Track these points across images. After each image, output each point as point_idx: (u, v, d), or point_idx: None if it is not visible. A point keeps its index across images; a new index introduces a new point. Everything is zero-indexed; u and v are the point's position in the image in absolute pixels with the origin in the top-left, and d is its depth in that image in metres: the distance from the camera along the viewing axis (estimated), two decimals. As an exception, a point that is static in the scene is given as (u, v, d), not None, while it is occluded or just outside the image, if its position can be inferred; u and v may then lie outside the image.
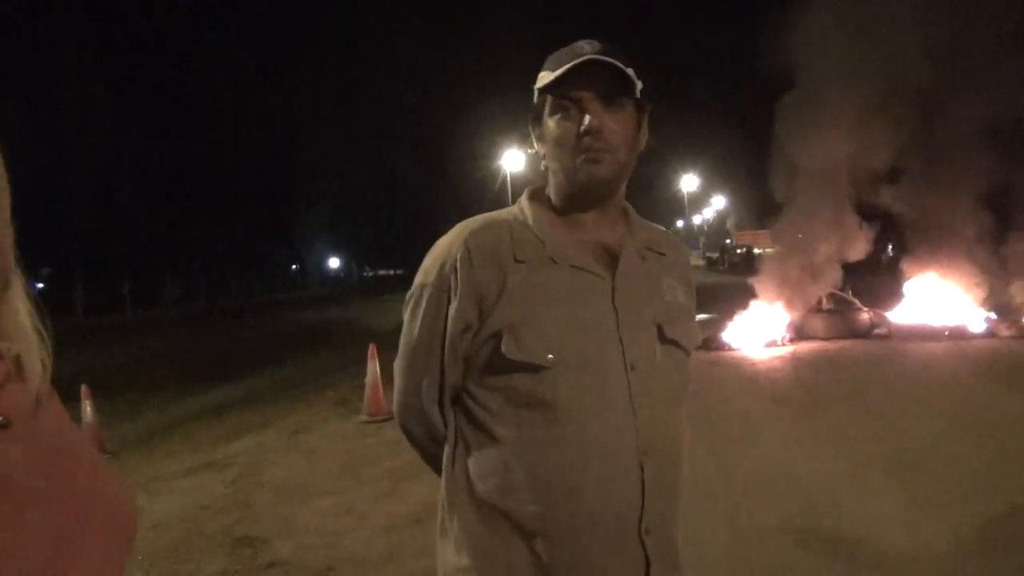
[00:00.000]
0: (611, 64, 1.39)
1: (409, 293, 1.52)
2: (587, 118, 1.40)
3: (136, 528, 0.89)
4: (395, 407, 1.59)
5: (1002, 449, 5.77)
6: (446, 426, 1.51)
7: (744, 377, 10.09)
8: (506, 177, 51.08)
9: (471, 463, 1.45)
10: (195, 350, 18.94)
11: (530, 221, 1.49)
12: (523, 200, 1.54)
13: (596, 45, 1.41)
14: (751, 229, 50.74)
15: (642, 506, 1.39)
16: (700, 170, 79.69)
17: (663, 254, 1.57)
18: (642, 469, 1.39)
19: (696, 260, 70.48)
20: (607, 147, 1.41)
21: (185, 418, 9.63)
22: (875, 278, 15.35)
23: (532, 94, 1.51)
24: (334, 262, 69.93)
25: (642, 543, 1.40)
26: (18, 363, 0.83)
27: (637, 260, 1.50)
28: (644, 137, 1.53)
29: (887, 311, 13.34)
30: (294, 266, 68.85)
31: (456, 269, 1.43)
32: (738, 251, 50.26)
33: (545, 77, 1.44)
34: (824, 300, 13.65)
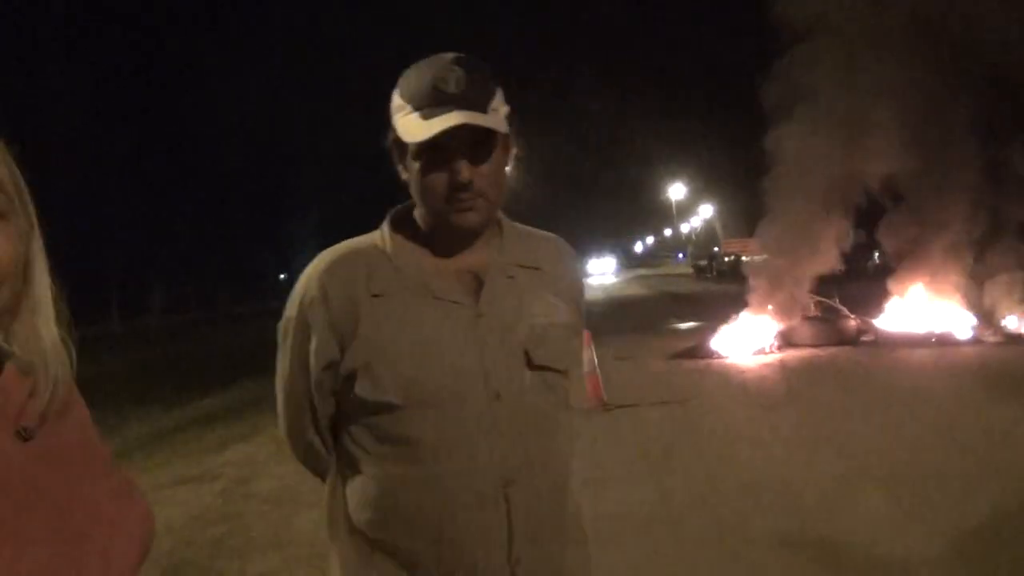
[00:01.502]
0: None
1: (279, 323, 1.48)
2: (458, 173, 1.34)
3: (150, 540, 0.90)
4: (280, 426, 1.57)
5: (988, 456, 5.80)
6: (328, 452, 1.51)
7: (733, 385, 10.12)
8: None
9: (348, 494, 1.44)
10: (183, 359, 18.86)
11: (388, 250, 1.43)
12: (385, 226, 1.48)
13: (459, 79, 1.32)
14: (739, 237, 50.89)
15: (510, 537, 1.37)
16: (688, 178, 79.99)
17: (539, 269, 1.51)
18: (508, 501, 1.36)
19: (684, 268, 70.60)
20: (478, 195, 1.37)
21: (174, 428, 9.60)
22: (862, 285, 15.41)
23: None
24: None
25: (513, 574, 1.38)
26: (42, 376, 0.84)
27: (504, 282, 1.45)
28: (512, 155, 1.49)
29: (874, 318, 13.41)
30: (282, 275, 68.68)
31: (313, 306, 1.40)
32: (726, 259, 50.30)
33: (406, 117, 1.35)
34: (812, 307, 13.70)
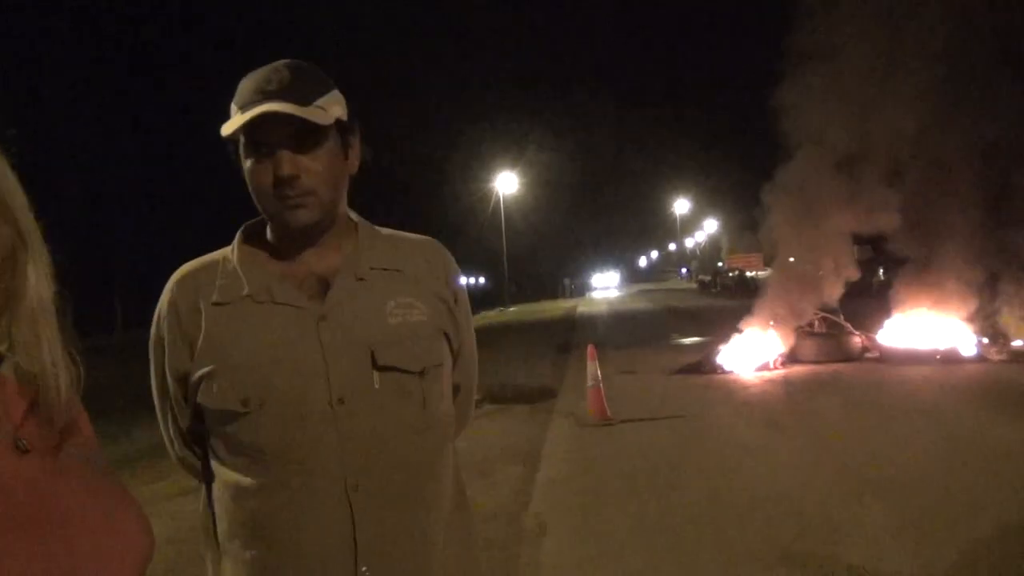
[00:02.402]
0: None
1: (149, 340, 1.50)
2: (279, 166, 1.34)
3: (148, 555, 0.89)
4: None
5: (992, 473, 5.78)
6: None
7: (737, 400, 10.09)
8: (499, 199, 51.24)
9: (212, 503, 1.45)
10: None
11: (234, 260, 1.45)
12: (237, 236, 1.49)
13: (283, 77, 1.35)
14: (743, 252, 50.90)
15: (355, 543, 1.35)
16: (692, 193, 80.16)
17: (398, 271, 1.49)
18: (351, 507, 1.35)
19: (688, 283, 70.63)
20: (306, 191, 1.36)
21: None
22: (867, 301, 15.38)
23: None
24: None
25: None
26: (44, 388, 0.84)
27: (353, 284, 1.44)
28: (355, 158, 1.48)
29: (878, 334, 13.38)
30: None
31: (165, 318, 1.43)
32: (730, 274, 50.33)
33: (233, 118, 1.36)
34: (816, 323, 13.68)
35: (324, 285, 1.43)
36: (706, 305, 34.75)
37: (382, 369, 1.39)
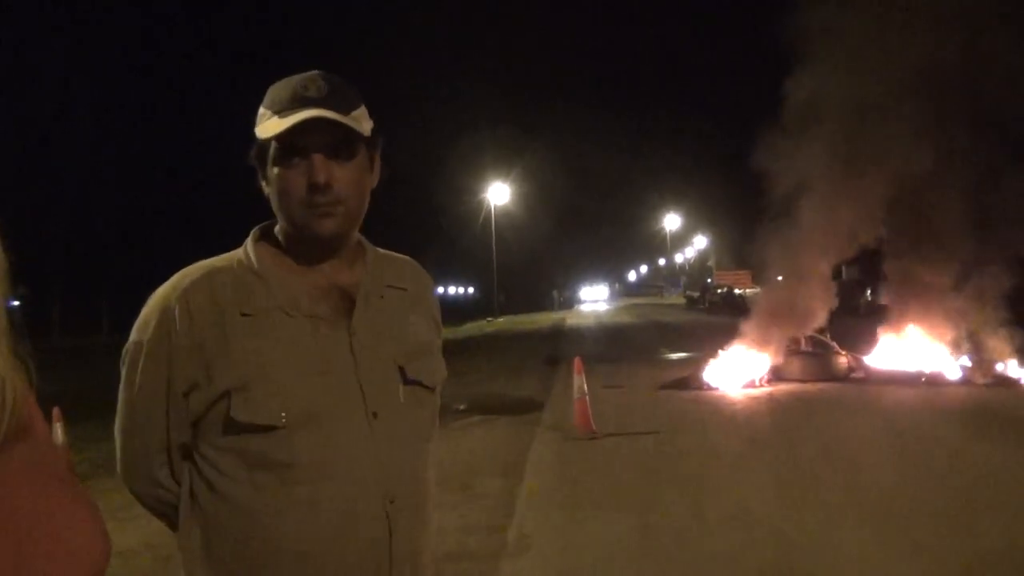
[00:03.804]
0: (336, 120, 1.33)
1: (125, 348, 1.41)
2: (315, 172, 1.34)
3: (101, 561, 0.87)
4: (119, 470, 1.47)
5: (971, 496, 5.80)
6: (180, 486, 1.42)
7: (722, 418, 10.09)
8: (491, 209, 51.33)
9: (206, 526, 1.36)
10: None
11: (256, 267, 1.40)
12: (249, 243, 1.45)
13: (321, 86, 1.35)
14: (732, 269, 51.09)
15: (391, 556, 1.35)
16: (683, 209, 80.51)
17: (405, 289, 1.52)
18: (388, 518, 1.35)
19: (676, 298, 70.80)
20: (337, 200, 1.36)
21: (158, 443, 9.51)
22: (854, 321, 15.45)
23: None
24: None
25: None
26: None
27: (376, 301, 1.45)
28: (376, 175, 1.49)
29: (865, 355, 13.44)
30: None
31: (175, 326, 1.34)
32: (719, 291, 50.47)
33: (266, 122, 1.36)
34: (803, 342, 13.73)
35: (347, 300, 1.42)
36: (694, 321, 34.83)
37: (409, 384, 1.43)
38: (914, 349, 13.03)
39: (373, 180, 1.48)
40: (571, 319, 46.50)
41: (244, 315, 1.36)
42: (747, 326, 14.03)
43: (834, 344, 13.60)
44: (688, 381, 12.92)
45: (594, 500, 6.17)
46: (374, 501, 1.35)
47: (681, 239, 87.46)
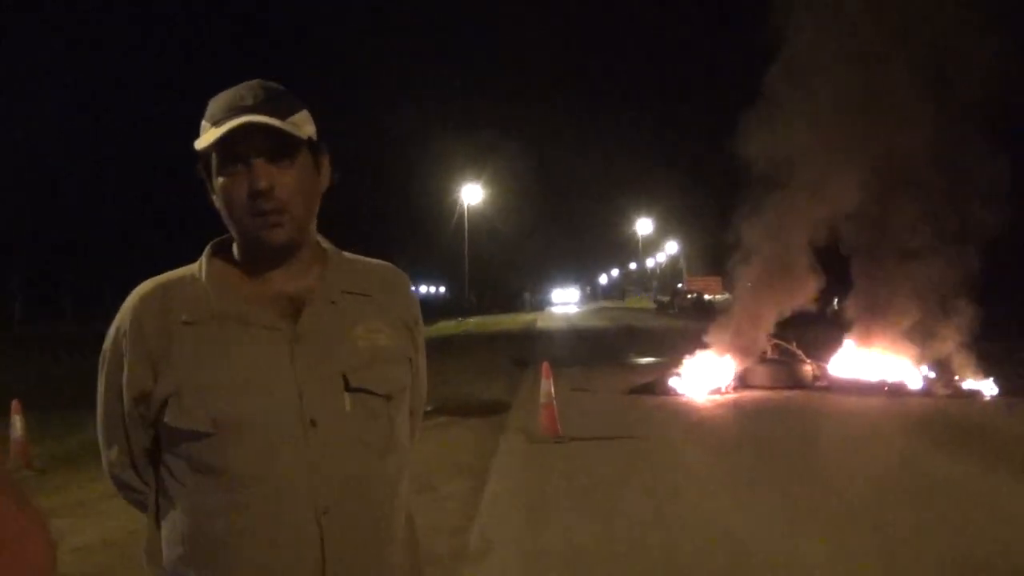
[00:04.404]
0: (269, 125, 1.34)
1: (100, 355, 1.47)
2: (256, 178, 1.34)
3: (45, 567, 0.86)
4: (105, 472, 1.54)
5: (932, 506, 5.88)
6: (149, 489, 1.48)
7: (687, 423, 10.17)
8: (464, 210, 51.29)
9: (164, 527, 1.41)
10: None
11: (203, 278, 1.43)
12: (203, 256, 1.47)
13: (257, 94, 1.37)
14: (702, 275, 51.47)
15: (323, 568, 1.34)
16: (656, 214, 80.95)
17: (367, 296, 1.51)
18: (321, 530, 1.34)
19: (646, 303, 71.20)
20: (281, 207, 1.36)
21: (119, 437, 9.37)
22: (820, 330, 15.63)
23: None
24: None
25: None
26: None
27: (326, 307, 1.44)
28: (325, 178, 1.48)
29: (829, 363, 13.60)
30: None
31: (126, 335, 1.40)
32: (688, 296, 50.81)
33: (205, 133, 1.37)
34: (769, 350, 13.87)
35: (296, 307, 1.42)
36: (663, 325, 35.03)
37: (354, 391, 1.40)
38: (878, 359, 13.20)
39: (322, 183, 1.48)
40: (542, 321, 46.58)
41: (186, 323, 1.38)
42: (715, 332, 14.16)
43: (799, 352, 13.75)
44: (655, 386, 12.99)
45: (557, 504, 6.19)
46: (304, 510, 1.34)
47: (653, 244, 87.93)
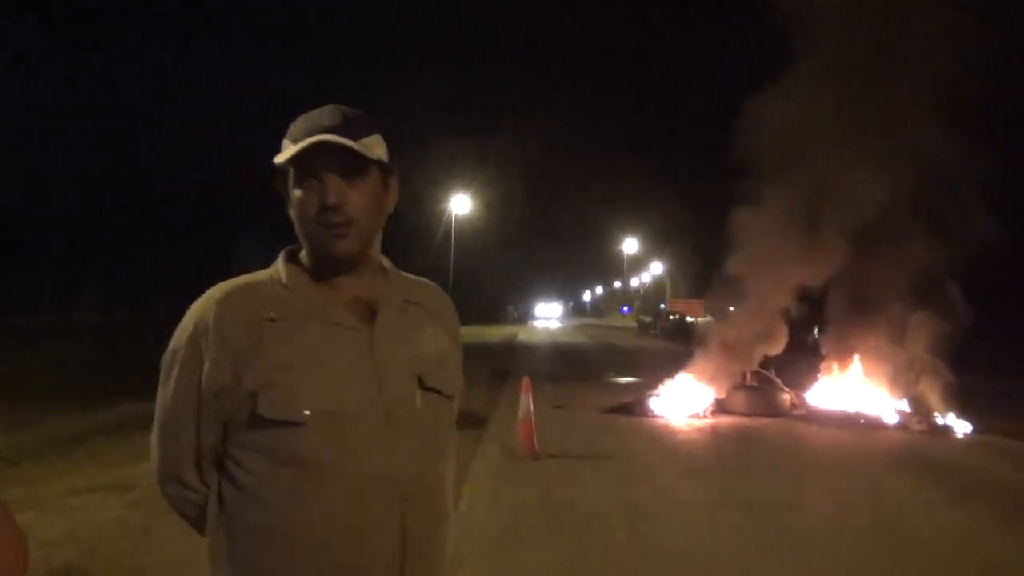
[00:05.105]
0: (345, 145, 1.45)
1: (163, 358, 1.53)
2: (327, 193, 1.46)
3: (17, 569, 0.86)
4: (156, 476, 1.59)
5: (897, 536, 5.98)
6: (207, 490, 1.53)
7: (664, 446, 10.18)
8: (451, 219, 51.28)
9: (233, 526, 1.47)
10: (113, 360, 18.33)
11: (284, 281, 1.53)
12: (279, 261, 1.58)
13: (336, 116, 1.49)
14: (685, 298, 51.65)
15: (403, 552, 1.45)
16: (642, 234, 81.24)
17: (423, 305, 1.64)
18: (402, 517, 1.45)
19: (629, 321, 71.35)
20: (348, 220, 1.47)
21: (92, 431, 9.29)
22: (799, 359, 15.72)
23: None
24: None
25: None
26: None
27: (396, 312, 1.57)
28: (393, 198, 1.60)
29: (807, 392, 13.68)
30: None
31: (208, 332, 1.46)
32: (671, 317, 50.94)
33: (285, 150, 1.49)
34: (748, 376, 13.93)
35: (369, 311, 1.54)
36: (645, 346, 35.13)
37: (427, 390, 1.54)
38: (855, 390, 13.30)
39: (390, 202, 1.60)
40: (523, 335, 46.60)
41: (272, 321, 1.47)
42: (696, 356, 14.22)
43: (778, 380, 13.82)
44: (634, 407, 13.00)
45: (531, 522, 6.17)
46: (388, 498, 1.45)
47: (638, 263, 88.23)
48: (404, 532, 1.45)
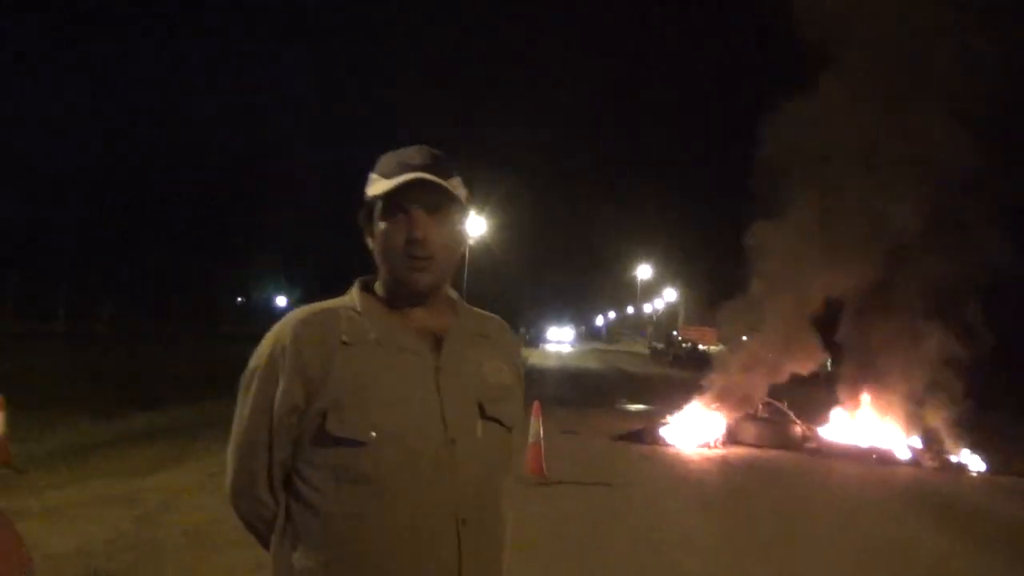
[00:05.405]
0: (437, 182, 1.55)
1: (242, 376, 1.59)
2: (414, 227, 1.55)
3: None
4: (228, 490, 1.64)
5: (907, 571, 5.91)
6: (278, 506, 1.58)
7: (674, 475, 10.11)
8: (466, 243, 51.39)
9: (297, 541, 1.51)
10: (125, 370, 18.39)
11: (359, 307, 1.60)
12: (354, 290, 1.65)
13: (425, 155, 1.59)
14: (698, 325, 51.42)
15: (460, 573, 1.49)
16: (657, 260, 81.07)
17: (488, 337, 1.71)
18: (459, 539, 1.49)
19: (641, 347, 71.07)
20: (430, 255, 1.56)
21: (102, 442, 9.32)
22: (812, 391, 15.61)
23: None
24: (282, 301, 68.90)
25: None
26: None
27: (461, 343, 1.63)
28: (465, 236, 1.71)
29: (819, 426, 13.55)
30: (240, 299, 67.65)
31: (284, 353, 1.53)
32: (684, 345, 50.68)
33: (376, 183, 1.59)
34: (760, 408, 13.82)
35: (436, 340, 1.60)
36: (656, 373, 34.96)
37: (488, 419, 1.59)
38: (867, 425, 13.17)
39: (464, 241, 1.70)
40: (535, 358, 46.49)
41: (345, 344, 1.54)
42: (708, 385, 14.12)
43: (790, 412, 13.70)
44: (644, 434, 12.92)
45: (537, 546, 6.12)
46: (445, 520, 1.49)
47: (651, 289, 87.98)
48: (461, 554, 1.49)
